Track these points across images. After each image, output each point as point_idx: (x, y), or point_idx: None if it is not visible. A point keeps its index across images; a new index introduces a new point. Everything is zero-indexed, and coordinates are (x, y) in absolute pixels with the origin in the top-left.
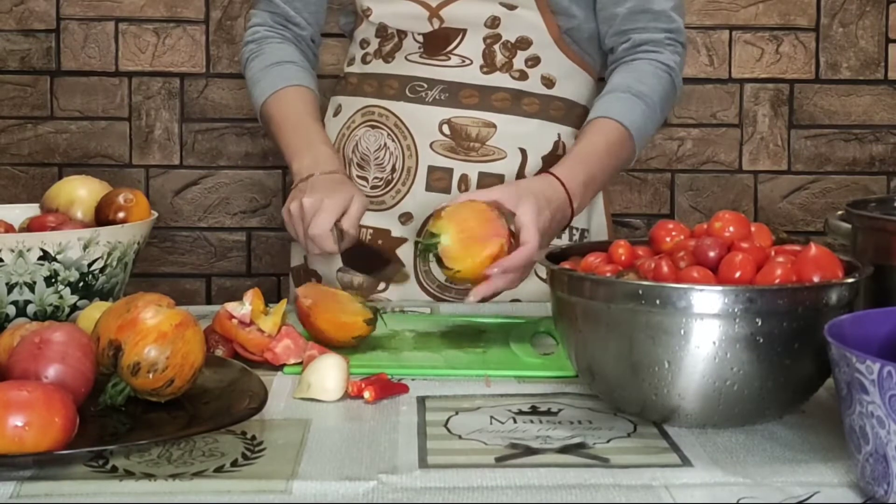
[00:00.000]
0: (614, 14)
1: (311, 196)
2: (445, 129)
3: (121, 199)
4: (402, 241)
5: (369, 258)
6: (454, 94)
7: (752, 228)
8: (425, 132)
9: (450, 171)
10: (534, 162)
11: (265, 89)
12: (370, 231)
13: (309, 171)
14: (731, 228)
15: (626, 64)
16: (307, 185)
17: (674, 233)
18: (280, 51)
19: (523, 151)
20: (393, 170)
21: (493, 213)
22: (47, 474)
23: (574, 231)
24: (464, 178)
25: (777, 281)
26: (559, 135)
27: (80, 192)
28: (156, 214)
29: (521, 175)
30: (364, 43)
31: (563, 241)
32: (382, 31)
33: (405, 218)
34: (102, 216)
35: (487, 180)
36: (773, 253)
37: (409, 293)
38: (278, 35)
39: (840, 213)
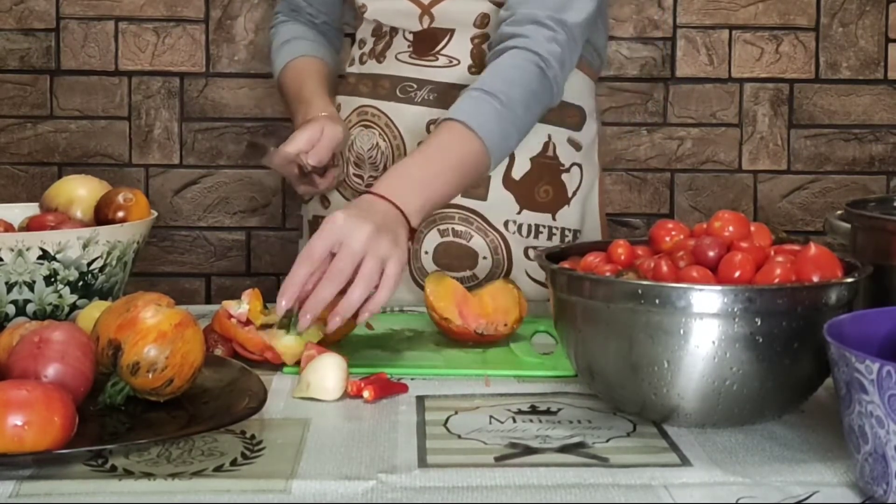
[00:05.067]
0: None
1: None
2: (433, 129)
3: (120, 198)
4: None
5: None
6: (442, 94)
7: (752, 228)
8: (414, 132)
9: None
10: (522, 163)
11: (277, 67)
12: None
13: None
14: (731, 228)
15: (494, 57)
16: None
17: (673, 232)
18: (290, 30)
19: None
20: (385, 169)
21: None
22: (47, 473)
23: (567, 232)
24: None
25: (776, 280)
26: (549, 136)
27: (80, 191)
28: (155, 214)
29: (508, 176)
30: (361, 43)
31: (555, 242)
32: (377, 30)
33: None
34: (102, 215)
35: None
36: (772, 252)
37: (403, 292)
38: (292, 19)
39: (840, 212)
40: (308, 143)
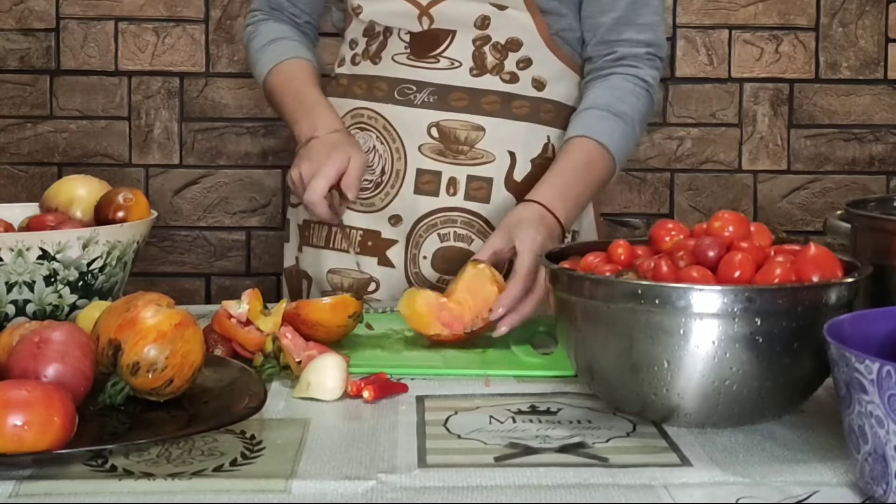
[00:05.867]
0: (599, 23)
1: (309, 162)
2: (434, 131)
3: (120, 198)
4: (393, 242)
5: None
6: (443, 96)
7: (752, 228)
8: (414, 135)
9: (438, 173)
10: (523, 165)
11: (264, 67)
12: (360, 232)
13: (309, 135)
14: (731, 228)
15: (602, 79)
16: (307, 149)
17: (673, 232)
18: (275, 29)
19: (512, 154)
20: (382, 172)
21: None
22: (46, 473)
23: (566, 233)
24: (452, 182)
25: (776, 280)
26: (548, 137)
27: (80, 191)
28: (155, 214)
29: (510, 178)
30: (353, 43)
31: None
32: (370, 31)
33: (395, 220)
34: (102, 215)
35: (476, 183)
36: (772, 252)
37: (400, 294)
38: (274, 18)
39: (839, 212)
40: (337, 176)
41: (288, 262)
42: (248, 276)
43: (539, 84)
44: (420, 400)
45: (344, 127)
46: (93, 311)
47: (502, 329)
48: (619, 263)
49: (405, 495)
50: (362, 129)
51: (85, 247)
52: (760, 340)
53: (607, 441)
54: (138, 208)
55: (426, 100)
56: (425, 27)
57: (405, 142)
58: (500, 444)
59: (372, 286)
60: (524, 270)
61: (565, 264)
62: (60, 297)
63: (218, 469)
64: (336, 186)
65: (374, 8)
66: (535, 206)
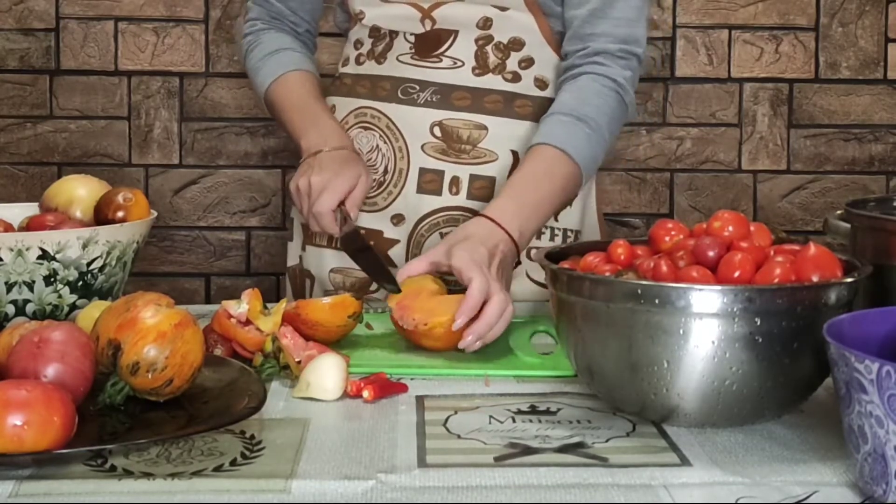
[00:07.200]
0: (574, 16)
1: (320, 174)
2: (437, 130)
3: (120, 198)
4: (395, 242)
5: (379, 269)
6: (446, 96)
7: (752, 228)
8: (416, 134)
9: (441, 173)
10: None
11: (266, 77)
12: (362, 232)
13: (317, 147)
14: (731, 228)
15: (572, 80)
16: (316, 160)
17: (673, 232)
18: (277, 39)
19: (515, 154)
20: (385, 171)
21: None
22: (46, 473)
23: (569, 233)
24: (455, 181)
25: (776, 280)
26: None
27: (80, 191)
28: (155, 214)
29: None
30: (358, 44)
31: (556, 243)
32: (375, 32)
33: (397, 219)
34: (102, 215)
35: (478, 182)
36: (772, 252)
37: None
38: (275, 28)
39: (839, 212)
40: (347, 192)
41: (291, 261)
42: (248, 276)
43: (541, 83)
44: (420, 400)
45: (352, 143)
46: (93, 311)
47: (470, 343)
48: (619, 263)
49: (405, 495)
50: (365, 129)
51: (85, 247)
52: (760, 340)
53: (607, 441)
54: (138, 208)
55: (429, 99)
56: (428, 28)
57: (408, 141)
58: (499, 444)
59: (373, 286)
60: (478, 281)
61: (565, 264)
62: (60, 297)
63: (218, 469)
64: (340, 203)
65: (376, 13)
66: (484, 221)
